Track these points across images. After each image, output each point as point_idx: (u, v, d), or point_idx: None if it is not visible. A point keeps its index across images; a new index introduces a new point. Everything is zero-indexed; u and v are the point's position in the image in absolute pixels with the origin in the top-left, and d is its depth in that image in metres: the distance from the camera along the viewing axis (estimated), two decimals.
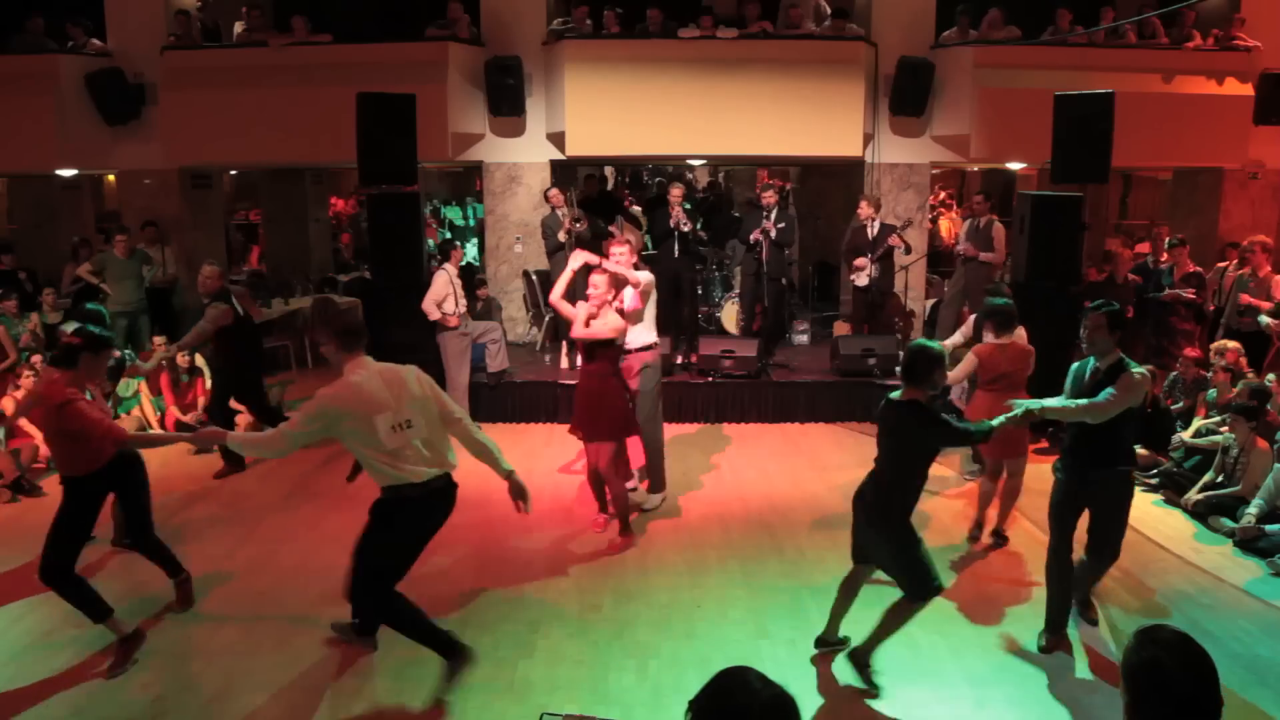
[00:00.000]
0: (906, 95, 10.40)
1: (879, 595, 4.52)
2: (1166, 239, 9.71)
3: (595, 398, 5.91)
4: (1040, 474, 7.39)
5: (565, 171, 11.28)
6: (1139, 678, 1.98)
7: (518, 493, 4.35)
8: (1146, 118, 9.71)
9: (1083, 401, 4.43)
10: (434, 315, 8.24)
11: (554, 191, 9.78)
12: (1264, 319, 8.15)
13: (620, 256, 6.23)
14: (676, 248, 9.11)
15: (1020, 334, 6.14)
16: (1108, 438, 4.47)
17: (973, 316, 6.89)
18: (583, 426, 5.99)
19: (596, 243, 8.29)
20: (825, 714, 4.15)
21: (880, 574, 4.48)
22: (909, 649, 4.65)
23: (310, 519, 6.48)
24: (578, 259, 6.29)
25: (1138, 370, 4.41)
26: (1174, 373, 7.93)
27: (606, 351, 5.95)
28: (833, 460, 7.83)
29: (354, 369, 4.12)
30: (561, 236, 9.47)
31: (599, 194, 11.75)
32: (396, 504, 4.13)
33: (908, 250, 9.58)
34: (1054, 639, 4.69)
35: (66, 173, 11.76)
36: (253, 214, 15.76)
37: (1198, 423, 7.13)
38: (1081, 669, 4.53)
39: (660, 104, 9.95)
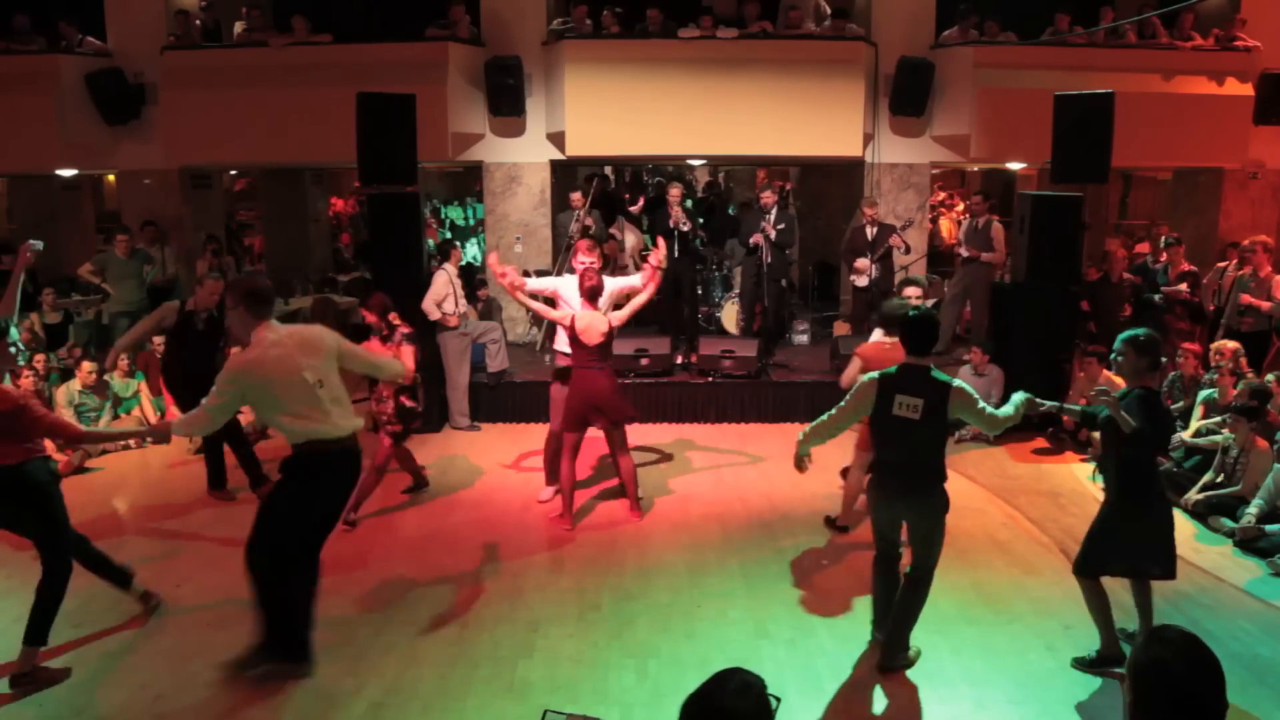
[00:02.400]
0: (906, 95, 10.40)
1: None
2: (1163, 238, 9.72)
3: (613, 382, 6.23)
4: (1040, 474, 7.41)
5: (565, 172, 11.28)
6: (1144, 677, 1.96)
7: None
8: (1146, 118, 9.72)
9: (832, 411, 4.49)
10: (434, 315, 8.25)
11: (576, 195, 9.85)
12: None
13: (586, 264, 6.23)
14: (676, 248, 9.11)
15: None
16: None
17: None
18: (618, 412, 6.19)
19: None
20: (825, 714, 4.15)
21: None
22: None
23: None
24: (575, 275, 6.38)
25: (869, 377, 4.38)
26: (1173, 373, 7.93)
27: (609, 344, 6.19)
28: (833, 460, 7.79)
29: (260, 336, 4.20)
30: (570, 239, 9.52)
31: (600, 194, 11.76)
32: (309, 458, 4.21)
33: (907, 250, 9.59)
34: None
35: (66, 173, 11.77)
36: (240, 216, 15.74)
37: (1197, 423, 7.13)
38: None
39: (660, 104, 9.95)
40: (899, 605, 4.42)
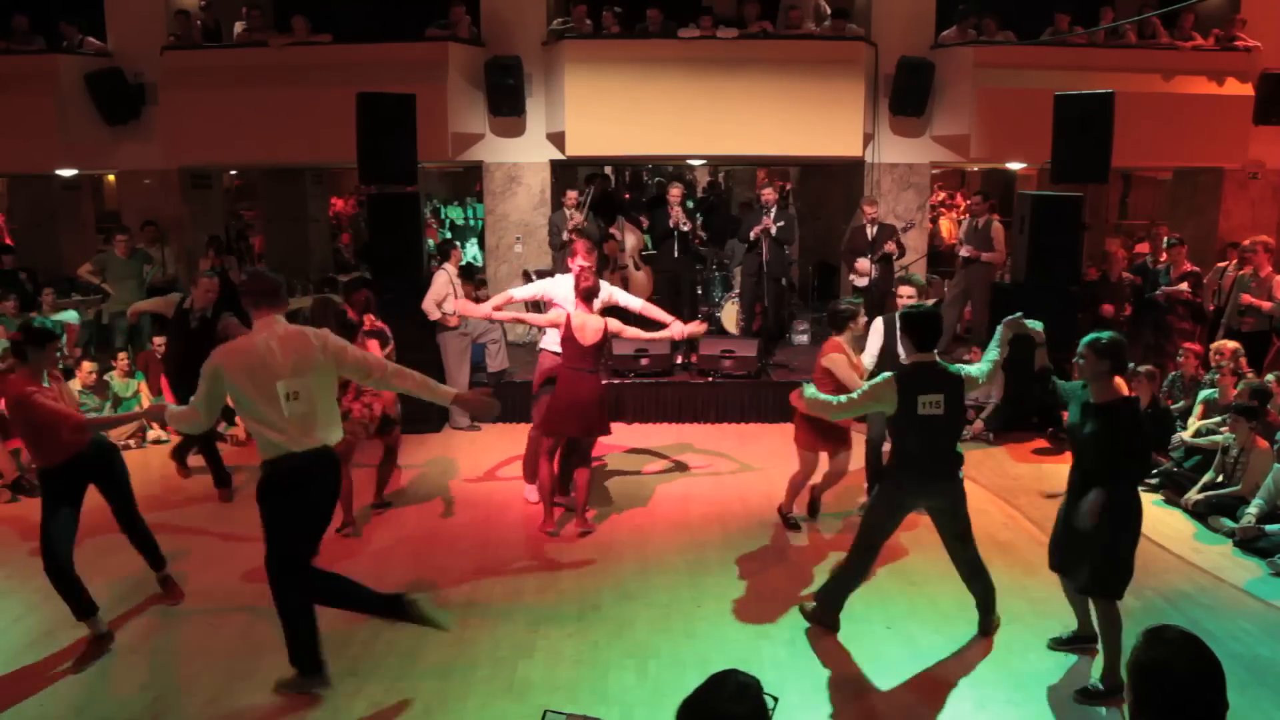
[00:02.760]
0: (906, 95, 10.40)
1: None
2: (1165, 239, 9.72)
3: (602, 391, 6.07)
4: (1040, 474, 7.41)
5: (565, 172, 11.28)
6: (1144, 677, 1.96)
7: (472, 407, 4.63)
8: (1146, 118, 9.72)
9: (841, 399, 4.69)
10: (434, 315, 8.25)
11: (571, 194, 9.85)
12: None
13: (584, 266, 6.12)
14: (676, 248, 9.12)
15: (843, 336, 6.13)
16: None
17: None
18: (599, 424, 6.07)
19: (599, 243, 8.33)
20: (825, 715, 4.14)
21: None
22: (908, 648, 4.65)
23: None
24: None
25: (884, 377, 4.52)
26: (1174, 372, 7.93)
27: (602, 346, 6.09)
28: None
29: (259, 329, 4.12)
30: (565, 236, 9.50)
31: (600, 195, 11.76)
32: (274, 478, 4.05)
33: (901, 254, 9.57)
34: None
35: (66, 173, 11.76)
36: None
37: (1196, 423, 7.13)
38: (1082, 669, 4.52)
39: (660, 104, 9.95)
40: (982, 592, 4.76)
